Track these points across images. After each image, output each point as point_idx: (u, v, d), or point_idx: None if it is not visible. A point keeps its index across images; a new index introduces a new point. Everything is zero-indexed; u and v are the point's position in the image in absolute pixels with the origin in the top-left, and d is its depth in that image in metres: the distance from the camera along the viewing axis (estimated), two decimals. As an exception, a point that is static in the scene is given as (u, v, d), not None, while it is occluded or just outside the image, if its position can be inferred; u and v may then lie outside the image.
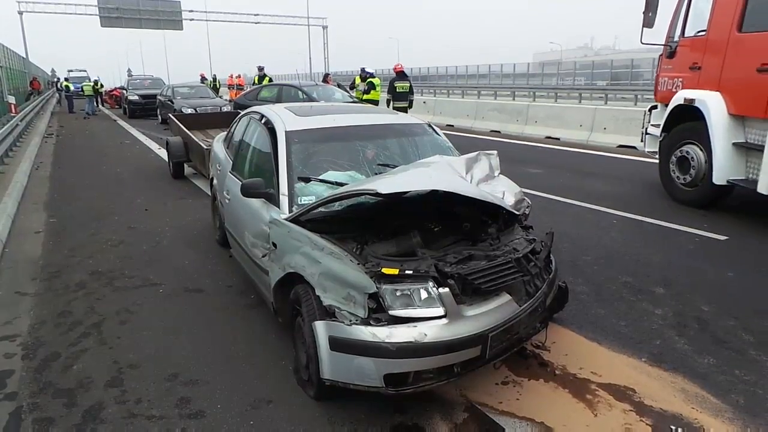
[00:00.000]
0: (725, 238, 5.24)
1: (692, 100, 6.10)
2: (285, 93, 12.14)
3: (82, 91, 23.67)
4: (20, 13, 33.71)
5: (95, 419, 2.63)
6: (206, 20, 40.18)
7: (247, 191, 3.21)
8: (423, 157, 3.58)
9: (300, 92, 11.84)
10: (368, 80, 12.95)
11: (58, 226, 6.12)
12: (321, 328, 2.51)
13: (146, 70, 66.51)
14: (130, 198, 7.40)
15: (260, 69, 18.27)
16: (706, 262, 4.65)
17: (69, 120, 20.44)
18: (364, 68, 14.13)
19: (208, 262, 4.81)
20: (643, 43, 6.46)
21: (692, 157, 6.20)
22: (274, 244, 3.01)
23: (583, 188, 7.38)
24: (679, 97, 6.34)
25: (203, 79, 32.53)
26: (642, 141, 7.68)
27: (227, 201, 4.18)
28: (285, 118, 3.71)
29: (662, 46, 6.80)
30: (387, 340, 2.33)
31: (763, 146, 5.20)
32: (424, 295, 2.44)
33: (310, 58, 43.65)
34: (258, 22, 41.52)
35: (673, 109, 6.46)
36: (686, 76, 6.37)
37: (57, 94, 30.59)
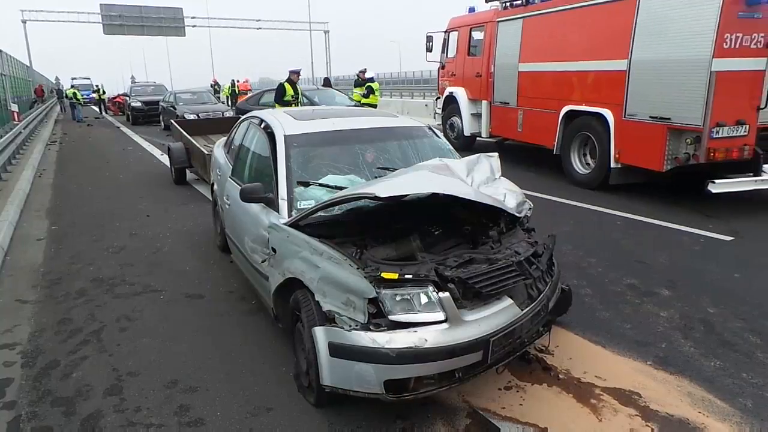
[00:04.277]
0: (731, 238, 5.18)
1: (452, 92, 11.14)
2: (287, 97, 12.13)
3: (74, 98, 23.52)
4: (24, 21, 33.91)
5: (94, 428, 2.61)
6: (208, 26, 40.29)
7: (246, 196, 3.18)
8: (423, 159, 3.55)
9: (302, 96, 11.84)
10: (367, 85, 12.86)
11: (60, 233, 6.12)
12: (320, 333, 2.48)
13: (149, 77, 66.93)
14: (132, 204, 7.40)
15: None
16: (712, 263, 4.60)
17: (73, 127, 20.52)
18: (365, 70, 14.09)
19: (209, 268, 4.79)
20: (427, 61, 12.24)
21: (455, 123, 11.17)
22: (274, 249, 2.99)
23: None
24: (447, 91, 11.36)
25: (215, 83, 32.48)
26: (434, 117, 13.03)
27: (227, 206, 4.17)
28: (284, 122, 3.70)
29: (438, 63, 11.86)
30: (387, 346, 2.30)
31: (481, 114, 10.28)
32: (424, 299, 2.41)
33: (312, 62, 43.73)
34: (260, 28, 41.58)
35: (445, 98, 11.53)
36: (450, 79, 11.33)
37: (59, 103, 30.65)
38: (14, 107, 14.15)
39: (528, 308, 2.65)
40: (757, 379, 2.89)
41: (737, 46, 5.60)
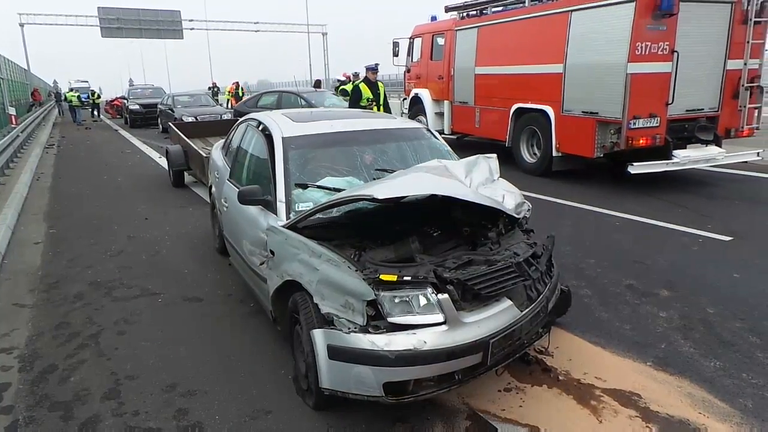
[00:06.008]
0: (730, 238, 5.18)
1: (417, 94, 11.97)
2: (284, 99, 12.14)
3: (77, 100, 23.58)
4: (21, 25, 33.88)
5: (92, 432, 2.60)
6: (206, 29, 40.31)
7: (244, 198, 3.18)
8: (421, 161, 3.54)
9: (299, 98, 11.85)
10: (340, 88, 12.80)
11: (58, 236, 6.10)
12: (319, 336, 2.47)
13: (147, 79, 66.65)
14: (130, 207, 7.39)
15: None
16: (711, 263, 4.60)
17: (71, 130, 20.50)
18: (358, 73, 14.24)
19: (207, 271, 4.78)
20: (394, 65, 12.98)
21: (421, 122, 11.20)
22: (272, 252, 2.98)
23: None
24: (413, 93, 12.23)
25: (214, 86, 32.42)
26: (401, 116, 13.01)
27: (225, 208, 4.16)
28: (282, 124, 3.69)
29: (404, 66, 12.69)
30: (386, 348, 2.29)
31: (444, 112, 11.13)
32: (423, 301, 2.40)
33: (310, 65, 43.71)
34: (258, 30, 41.62)
35: (411, 99, 12.35)
36: (415, 81, 12.20)
37: (57, 106, 30.56)
38: (12, 111, 14.10)
39: (527, 309, 2.64)
40: (758, 379, 2.89)
41: (647, 53, 6.64)
